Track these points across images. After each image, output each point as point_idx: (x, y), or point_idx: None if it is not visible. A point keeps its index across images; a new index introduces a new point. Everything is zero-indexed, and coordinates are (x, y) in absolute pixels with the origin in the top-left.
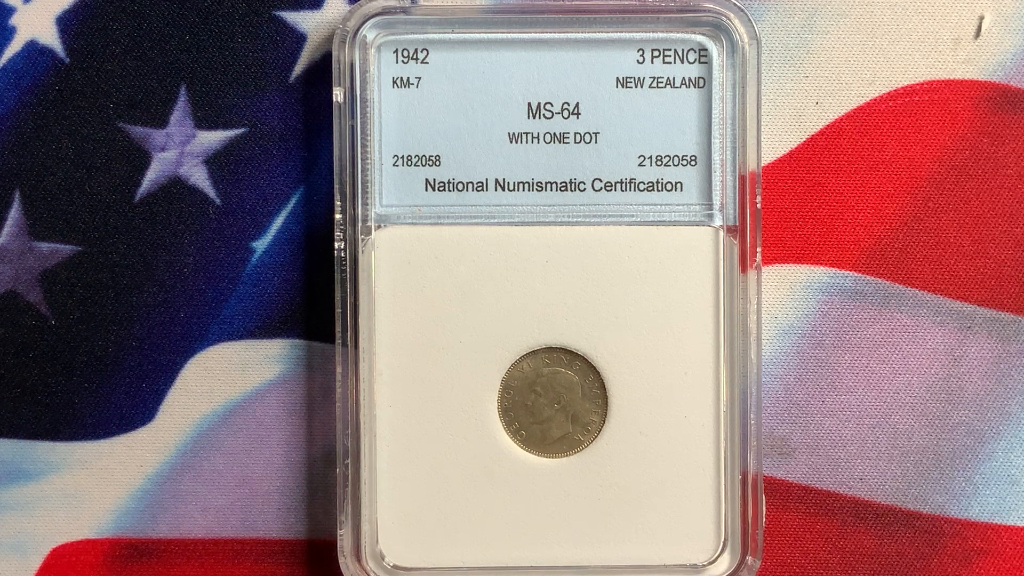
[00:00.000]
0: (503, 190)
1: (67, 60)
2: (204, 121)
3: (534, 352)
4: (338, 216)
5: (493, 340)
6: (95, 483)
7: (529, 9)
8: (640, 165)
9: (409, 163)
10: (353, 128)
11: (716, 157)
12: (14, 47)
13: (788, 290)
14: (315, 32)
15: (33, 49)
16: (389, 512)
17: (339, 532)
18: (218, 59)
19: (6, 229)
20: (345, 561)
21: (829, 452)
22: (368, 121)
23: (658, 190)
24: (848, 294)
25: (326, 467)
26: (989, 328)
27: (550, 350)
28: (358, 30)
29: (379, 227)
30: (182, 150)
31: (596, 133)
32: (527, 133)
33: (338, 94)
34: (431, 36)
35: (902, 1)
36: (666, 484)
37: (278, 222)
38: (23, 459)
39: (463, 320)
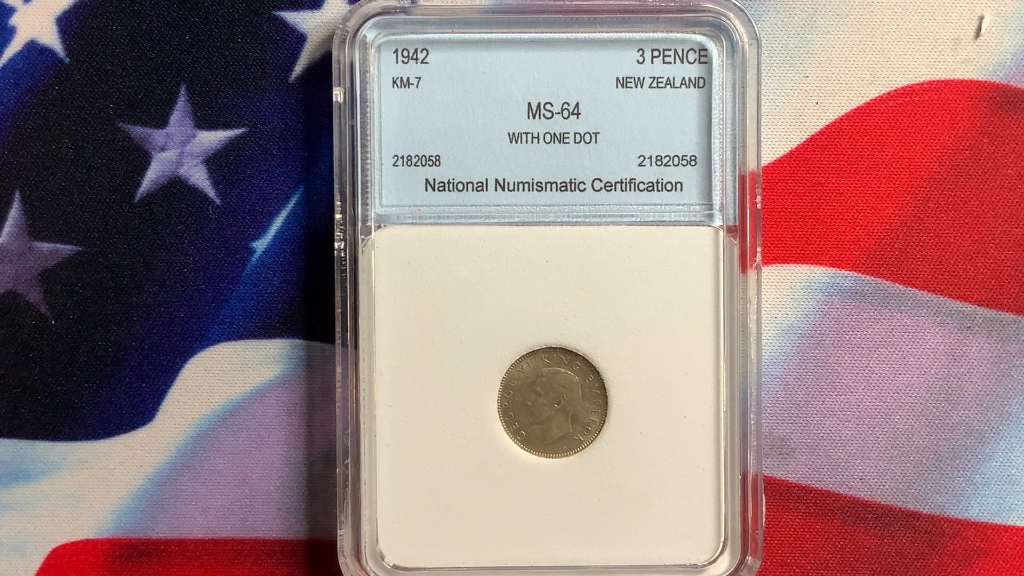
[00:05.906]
0: (503, 190)
1: (67, 60)
2: (204, 121)
3: (534, 352)
4: (338, 216)
5: (493, 340)
6: (95, 483)
7: (529, 9)
8: (640, 165)
9: (409, 163)
10: (353, 128)
11: (716, 157)
12: (14, 47)
13: (788, 290)
14: (315, 32)
15: (33, 49)
16: (389, 512)
17: (339, 532)
18: (218, 59)
19: (6, 229)
20: (345, 561)
21: (829, 452)
22: (368, 121)
23: (658, 190)
24: (848, 294)
25: (326, 467)
26: (989, 328)
27: (550, 350)
28: (358, 30)
29: (379, 227)
30: (182, 150)
31: (596, 133)
32: (527, 133)
33: (338, 94)
34: (431, 36)
35: (902, 1)
36: (666, 484)
37: (278, 222)
38: (23, 459)
39: (463, 320)
